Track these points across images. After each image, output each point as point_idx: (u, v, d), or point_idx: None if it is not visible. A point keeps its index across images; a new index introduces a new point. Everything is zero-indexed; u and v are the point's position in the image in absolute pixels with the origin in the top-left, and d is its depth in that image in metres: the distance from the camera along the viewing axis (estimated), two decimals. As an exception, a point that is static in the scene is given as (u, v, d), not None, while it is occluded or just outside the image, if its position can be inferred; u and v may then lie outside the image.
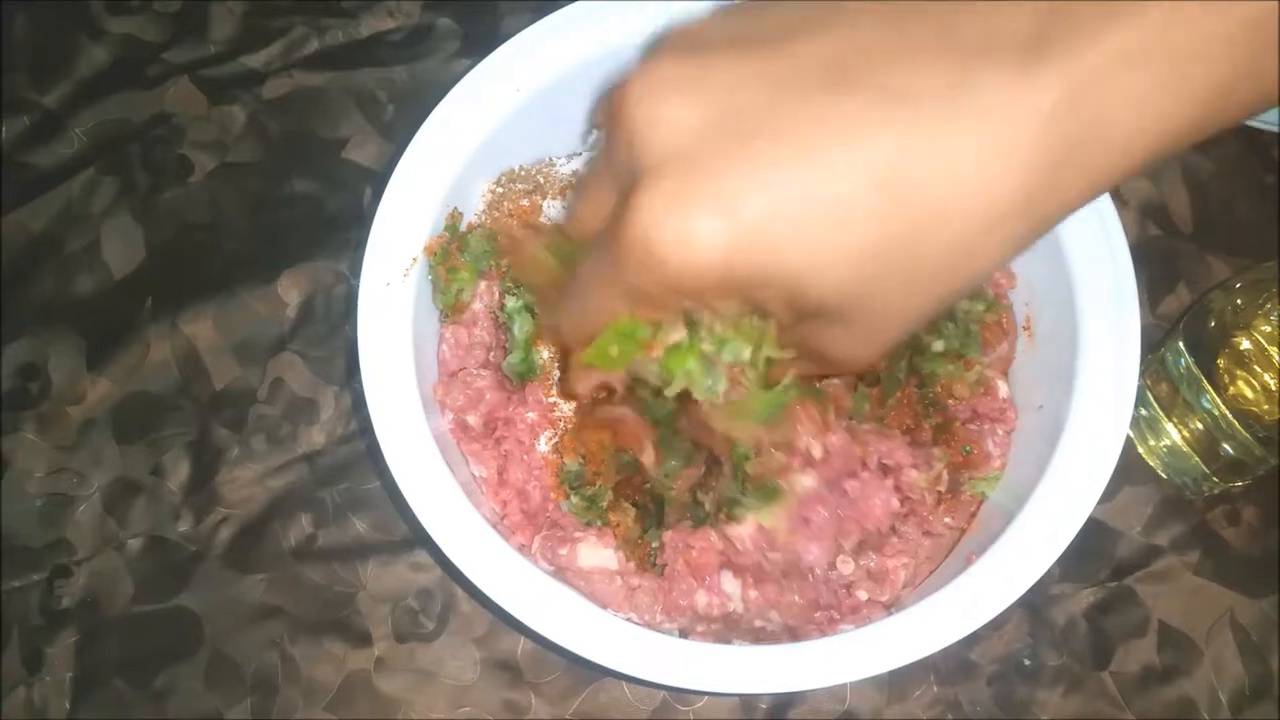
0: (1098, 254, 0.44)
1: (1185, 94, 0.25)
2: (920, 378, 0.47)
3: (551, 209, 0.50)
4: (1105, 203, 0.44)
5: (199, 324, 0.56)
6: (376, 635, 0.51)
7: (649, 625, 0.43)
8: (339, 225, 0.58)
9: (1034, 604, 0.52)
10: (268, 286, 0.57)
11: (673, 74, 0.26)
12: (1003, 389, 0.48)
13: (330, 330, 0.56)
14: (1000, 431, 0.47)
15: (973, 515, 0.47)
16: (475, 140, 0.46)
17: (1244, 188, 0.59)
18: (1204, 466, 0.51)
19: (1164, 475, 0.53)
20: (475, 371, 0.46)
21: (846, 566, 0.44)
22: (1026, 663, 0.51)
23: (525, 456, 0.46)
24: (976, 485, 0.47)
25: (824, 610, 0.44)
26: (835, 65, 0.25)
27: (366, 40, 0.63)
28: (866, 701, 0.50)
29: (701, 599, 0.43)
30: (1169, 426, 0.51)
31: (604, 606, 0.42)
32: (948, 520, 0.47)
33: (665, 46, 0.28)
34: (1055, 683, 0.51)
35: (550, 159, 0.50)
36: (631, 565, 0.44)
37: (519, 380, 0.47)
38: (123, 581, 0.52)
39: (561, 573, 0.43)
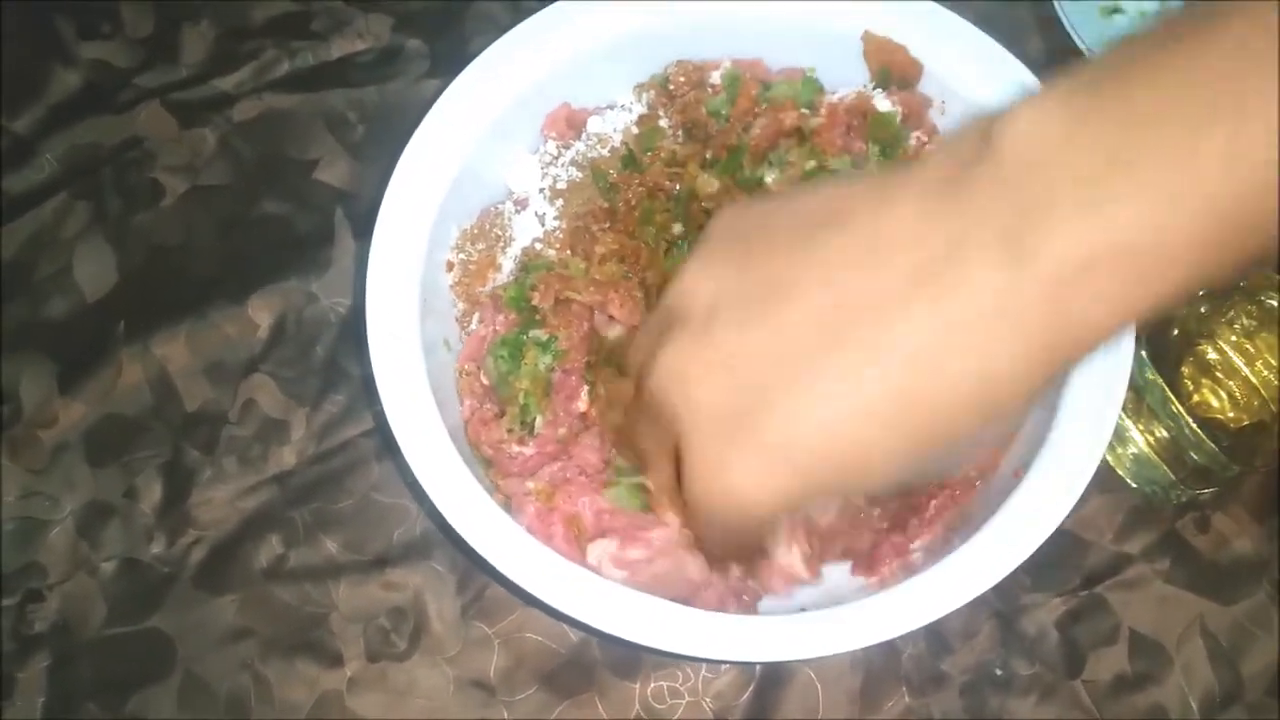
0: None
1: (1163, 283, 0.26)
2: None
3: (507, 262, 0.50)
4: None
5: (171, 346, 0.56)
6: (349, 655, 0.51)
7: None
8: (310, 246, 0.59)
9: (1005, 613, 0.52)
10: (239, 308, 0.57)
11: (689, 358, 0.31)
12: None
13: (301, 351, 0.57)
14: None
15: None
16: (449, 176, 0.48)
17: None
18: (1171, 474, 0.51)
19: (1133, 484, 0.53)
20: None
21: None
22: (998, 672, 0.51)
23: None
24: None
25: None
26: (822, 325, 0.29)
27: (336, 62, 0.63)
28: (839, 712, 0.50)
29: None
30: (1135, 434, 0.52)
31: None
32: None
33: (678, 326, 0.32)
34: (1027, 692, 0.51)
35: (496, 208, 0.51)
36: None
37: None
38: (95, 604, 0.52)
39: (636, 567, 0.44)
